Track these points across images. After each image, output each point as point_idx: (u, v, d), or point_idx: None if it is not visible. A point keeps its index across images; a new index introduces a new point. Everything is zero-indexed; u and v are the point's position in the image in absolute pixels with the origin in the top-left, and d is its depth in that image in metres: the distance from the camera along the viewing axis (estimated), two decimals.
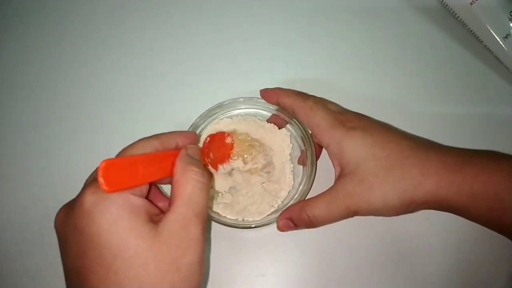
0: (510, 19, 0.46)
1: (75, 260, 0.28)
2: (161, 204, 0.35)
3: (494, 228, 0.36)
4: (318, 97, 0.43)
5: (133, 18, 0.55)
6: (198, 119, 0.44)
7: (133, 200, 0.29)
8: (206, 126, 0.45)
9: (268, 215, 0.42)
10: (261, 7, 0.54)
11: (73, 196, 0.46)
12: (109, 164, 0.27)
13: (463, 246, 0.44)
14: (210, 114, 0.44)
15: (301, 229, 0.40)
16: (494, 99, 0.49)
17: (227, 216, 0.42)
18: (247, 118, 0.46)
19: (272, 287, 0.43)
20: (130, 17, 0.55)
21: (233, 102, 0.45)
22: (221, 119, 0.46)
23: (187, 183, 0.31)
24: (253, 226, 0.41)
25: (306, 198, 0.41)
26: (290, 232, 0.42)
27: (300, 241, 0.44)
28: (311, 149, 0.43)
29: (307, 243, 0.44)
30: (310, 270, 0.44)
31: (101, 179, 0.26)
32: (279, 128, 0.46)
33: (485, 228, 0.37)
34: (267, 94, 0.44)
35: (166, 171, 0.32)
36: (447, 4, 0.49)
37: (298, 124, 0.43)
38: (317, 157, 0.45)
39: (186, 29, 0.54)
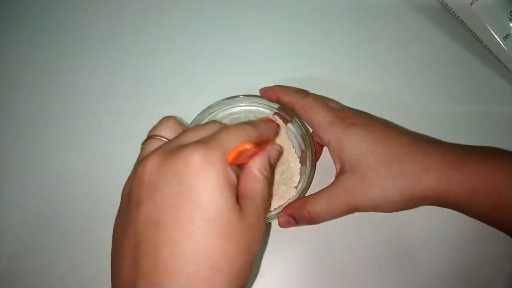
0: (510, 19, 0.46)
1: (164, 208, 0.27)
2: None
3: (494, 225, 0.36)
4: (318, 95, 0.43)
5: (134, 18, 0.55)
6: (198, 116, 0.44)
7: (233, 176, 0.29)
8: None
9: (268, 212, 0.42)
10: (262, 7, 0.54)
11: (74, 196, 0.46)
12: (245, 149, 0.30)
13: (463, 245, 0.43)
14: (210, 111, 0.45)
15: (302, 225, 0.40)
16: (494, 99, 0.49)
17: None
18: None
19: (272, 287, 0.43)
20: (130, 17, 0.55)
21: (233, 100, 0.45)
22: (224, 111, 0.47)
23: (261, 182, 0.32)
24: None
25: (306, 195, 0.41)
26: (290, 231, 0.42)
27: (300, 241, 0.44)
28: (311, 148, 0.43)
29: (307, 243, 0.44)
30: (310, 270, 0.44)
31: (233, 154, 0.29)
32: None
33: (485, 226, 0.37)
34: (266, 92, 0.44)
35: (247, 161, 0.33)
36: (447, 4, 0.49)
37: (299, 123, 0.44)
38: (318, 157, 0.45)
39: (186, 29, 0.54)
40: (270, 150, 0.34)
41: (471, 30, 0.49)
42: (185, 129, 0.33)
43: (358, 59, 0.52)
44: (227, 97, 0.45)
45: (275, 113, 0.46)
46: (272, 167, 0.34)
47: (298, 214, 0.39)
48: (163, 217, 0.27)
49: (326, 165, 0.43)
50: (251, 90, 0.45)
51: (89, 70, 0.53)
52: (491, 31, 0.47)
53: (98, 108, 0.51)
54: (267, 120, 0.42)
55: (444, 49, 0.51)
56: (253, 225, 0.29)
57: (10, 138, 0.50)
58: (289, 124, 0.46)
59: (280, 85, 0.44)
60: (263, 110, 0.46)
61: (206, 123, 0.34)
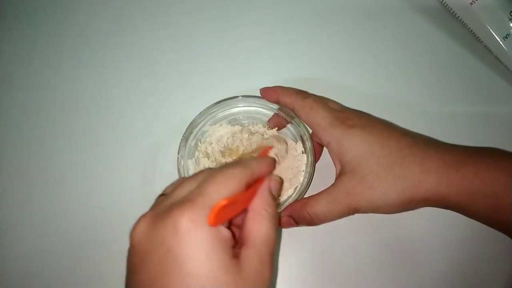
0: (510, 19, 0.46)
1: (154, 277, 0.27)
2: None
3: (493, 226, 0.36)
4: (318, 96, 0.43)
5: (134, 18, 0.55)
6: (197, 116, 0.44)
7: (224, 232, 0.29)
8: (205, 124, 0.46)
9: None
10: (261, 7, 0.54)
11: (74, 196, 0.46)
12: (223, 206, 0.28)
13: (463, 246, 0.43)
14: (209, 111, 0.45)
15: (302, 226, 0.40)
16: (494, 99, 0.49)
17: None
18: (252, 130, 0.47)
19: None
20: (130, 18, 0.55)
21: (232, 100, 0.45)
22: (221, 124, 0.46)
23: (264, 222, 0.31)
24: None
25: (305, 196, 0.41)
26: (290, 232, 0.42)
27: (301, 241, 0.44)
28: (311, 149, 0.43)
29: (307, 243, 0.44)
30: (310, 270, 0.44)
31: (212, 216, 0.27)
32: (279, 128, 0.46)
33: (485, 227, 0.37)
34: (266, 92, 0.44)
35: (247, 204, 0.32)
36: (447, 4, 0.49)
37: (299, 124, 0.43)
38: (318, 158, 0.45)
39: (186, 29, 0.54)
40: (270, 183, 0.33)
41: (471, 30, 0.49)
42: (178, 182, 0.33)
43: (358, 59, 0.52)
44: (226, 97, 0.45)
45: (275, 114, 0.46)
46: (275, 199, 0.34)
47: (298, 216, 0.39)
48: (158, 284, 0.27)
49: (326, 166, 0.43)
50: (250, 90, 0.45)
51: (89, 70, 0.52)
52: (491, 31, 0.47)
53: (98, 108, 0.51)
54: (262, 154, 0.41)
55: (444, 49, 0.51)
56: (254, 279, 0.29)
57: (10, 138, 0.50)
58: (289, 125, 0.46)
59: (280, 86, 0.44)
60: (262, 110, 0.46)
61: (199, 172, 0.33)
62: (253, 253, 0.29)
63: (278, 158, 0.42)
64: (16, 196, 0.47)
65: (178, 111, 0.49)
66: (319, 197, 0.38)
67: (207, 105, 0.44)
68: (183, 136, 0.43)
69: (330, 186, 0.38)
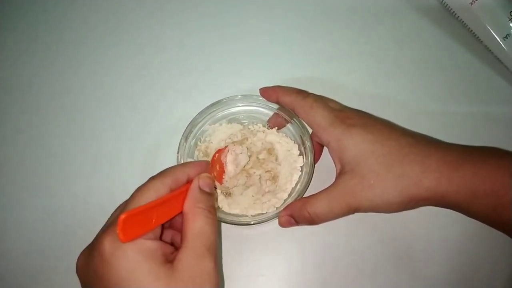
0: (510, 19, 0.46)
1: None
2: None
3: (493, 225, 0.36)
4: (318, 95, 0.43)
5: (132, 18, 0.55)
6: (197, 115, 0.44)
7: (148, 244, 0.30)
8: (205, 123, 0.46)
9: (267, 212, 0.42)
10: (261, 7, 0.54)
11: (73, 196, 0.46)
12: (128, 217, 0.28)
13: (463, 246, 0.43)
14: (209, 111, 0.45)
15: (302, 225, 0.40)
16: (494, 99, 0.49)
17: (229, 213, 0.42)
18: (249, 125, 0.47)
19: (272, 287, 0.43)
20: (128, 18, 0.55)
21: (232, 100, 0.45)
22: (220, 124, 0.46)
23: (196, 219, 0.32)
24: (252, 223, 0.41)
25: (305, 196, 0.40)
26: (290, 232, 0.42)
27: (300, 241, 0.44)
28: (310, 148, 0.43)
29: (307, 243, 0.44)
30: (310, 270, 0.43)
31: (119, 232, 0.28)
32: (279, 128, 0.46)
33: (485, 227, 0.37)
34: (266, 92, 0.44)
35: (178, 209, 0.33)
36: (447, 4, 0.49)
37: (299, 123, 0.43)
38: (318, 157, 0.45)
39: (185, 29, 0.54)
40: (199, 181, 0.34)
41: (471, 30, 0.49)
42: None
43: (358, 59, 0.52)
44: (225, 97, 0.45)
45: (275, 113, 0.46)
46: (209, 195, 0.34)
47: (298, 215, 0.39)
48: None
49: (326, 165, 0.43)
50: (250, 90, 0.45)
51: (88, 70, 0.53)
52: (491, 31, 0.47)
53: (97, 107, 0.51)
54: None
55: (444, 49, 0.51)
56: (191, 276, 0.29)
57: (10, 138, 0.50)
58: (289, 125, 0.46)
59: (280, 86, 0.44)
60: (262, 110, 0.46)
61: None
62: (186, 251, 0.30)
63: (235, 165, 0.43)
64: (16, 196, 0.47)
65: (178, 111, 0.49)
66: (319, 196, 0.38)
67: (207, 105, 0.44)
68: (182, 135, 0.43)
69: (330, 185, 0.38)
